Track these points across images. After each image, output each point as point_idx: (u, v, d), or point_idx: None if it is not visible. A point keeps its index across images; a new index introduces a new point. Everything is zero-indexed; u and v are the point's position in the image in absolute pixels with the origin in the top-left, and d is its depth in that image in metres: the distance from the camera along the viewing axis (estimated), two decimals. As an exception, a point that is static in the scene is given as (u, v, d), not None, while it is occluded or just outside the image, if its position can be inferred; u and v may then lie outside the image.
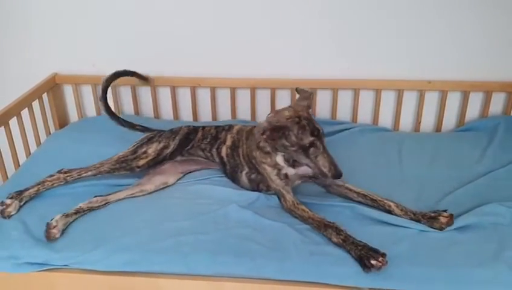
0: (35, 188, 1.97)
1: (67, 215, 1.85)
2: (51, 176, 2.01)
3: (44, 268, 1.75)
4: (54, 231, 1.78)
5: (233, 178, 2.13)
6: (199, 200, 2.00)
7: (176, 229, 1.82)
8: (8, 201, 1.91)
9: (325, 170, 1.78)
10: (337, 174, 1.77)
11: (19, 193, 1.94)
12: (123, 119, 2.35)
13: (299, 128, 1.77)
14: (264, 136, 1.77)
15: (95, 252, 1.74)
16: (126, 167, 2.05)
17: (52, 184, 1.99)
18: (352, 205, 1.92)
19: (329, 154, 1.79)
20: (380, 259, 1.60)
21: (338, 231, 1.72)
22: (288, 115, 1.79)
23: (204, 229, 1.81)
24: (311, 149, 1.78)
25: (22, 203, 1.94)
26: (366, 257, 1.61)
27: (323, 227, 1.76)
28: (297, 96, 2.00)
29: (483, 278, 1.60)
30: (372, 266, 1.59)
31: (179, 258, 1.71)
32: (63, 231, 1.82)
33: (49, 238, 1.77)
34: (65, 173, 2.01)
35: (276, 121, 1.78)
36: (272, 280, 1.68)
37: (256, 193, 2.02)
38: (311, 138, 1.77)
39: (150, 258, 1.72)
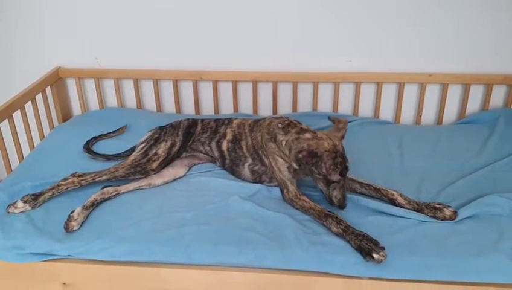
0: (50, 192, 1.97)
1: (86, 208, 1.87)
2: (65, 179, 2.00)
3: (48, 258, 1.78)
4: (74, 223, 1.80)
5: (233, 171, 2.15)
6: (201, 192, 2.02)
7: (178, 220, 1.84)
8: (20, 204, 1.91)
9: (335, 200, 1.85)
10: (343, 207, 1.85)
11: (34, 198, 1.93)
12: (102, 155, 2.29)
13: (332, 164, 1.80)
14: (300, 156, 1.80)
15: (97, 242, 1.76)
16: (141, 171, 2.05)
17: (67, 188, 1.99)
18: (351, 196, 1.93)
19: (344, 189, 1.86)
20: (381, 253, 1.61)
21: (338, 220, 1.74)
22: (327, 147, 1.81)
23: (206, 220, 1.83)
24: (334, 184, 1.84)
25: (35, 208, 1.93)
26: (367, 249, 1.63)
27: (324, 217, 1.78)
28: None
29: (482, 268, 1.61)
30: (374, 259, 1.61)
31: (180, 248, 1.73)
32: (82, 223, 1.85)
33: (68, 229, 1.79)
34: (79, 176, 2.01)
35: (315, 148, 1.81)
36: (273, 270, 1.70)
37: (257, 185, 2.04)
38: (339, 177, 1.82)
39: (152, 248, 1.74)
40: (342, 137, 1.93)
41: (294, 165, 1.88)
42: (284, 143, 1.95)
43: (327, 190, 1.86)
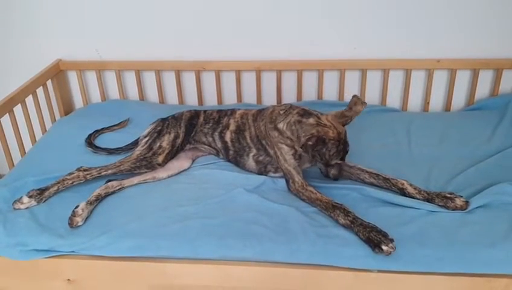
0: (56, 187, 1.95)
1: (90, 203, 1.85)
2: (71, 174, 1.98)
3: (52, 255, 1.76)
4: (78, 218, 1.78)
5: (237, 162, 2.12)
6: (205, 184, 1.99)
7: (182, 214, 1.81)
8: (25, 199, 1.89)
9: (332, 176, 1.92)
10: (337, 179, 1.94)
11: (40, 193, 1.91)
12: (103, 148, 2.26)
13: (336, 152, 1.82)
14: (310, 143, 1.78)
15: (101, 237, 1.74)
16: (147, 165, 2.03)
17: (72, 182, 1.97)
18: (359, 187, 1.89)
19: (341, 166, 1.92)
20: (390, 245, 1.58)
21: (346, 212, 1.71)
22: (332, 136, 1.80)
23: (211, 214, 1.80)
24: (332, 166, 1.89)
25: (40, 203, 1.91)
26: (376, 241, 1.60)
27: (331, 208, 1.74)
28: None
29: (494, 258, 1.58)
30: (383, 251, 1.58)
31: (185, 242, 1.71)
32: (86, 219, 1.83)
33: (72, 225, 1.77)
34: (85, 171, 1.99)
35: (323, 135, 1.80)
36: (279, 263, 1.67)
37: (262, 177, 2.01)
38: (338, 161, 1.87)
39: (157, 243, 1.72)
40: (345, 124, 1.89)
41: (299, 149, 1.88)
42: (285, 126, 1.93)
43: (325, 169, 1.92)
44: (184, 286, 1.75)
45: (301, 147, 1.83)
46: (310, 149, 1.80)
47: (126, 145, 2.24)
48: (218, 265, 1.69)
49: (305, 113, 1.91)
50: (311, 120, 1.87)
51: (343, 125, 1.88)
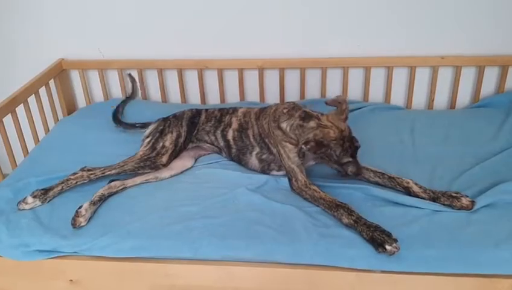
0: (59, 187, 1.95)
1: (94, 203, 1.85)
2: (74, 173, 1.98)
3: (54, 255, 1.76)
4: (81, 219, 1.78)
5: (240, 160, 2.11)
6: (208, 184, 1.99)
7: (184, 213, 1.81)
8: (30, 200, 1.89)
9: (351, 174, 1.86)
10: (359, 174, 1.88)
11: (44, 193, 1.92)
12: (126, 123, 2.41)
13: (342, 150, 1.80)
14: (308, 147, 1.77)
15: (103, 238, 1.73)
16: (151, 165, 2.02)
17: (76, 182, 1.97)
18: (363, 186, 1.88)
19: (358, 162, 1.85)
20: (394, 245, 1.56)
21: (350, 211, 1.70)
22: (333, 136, 1.79)
23: (213, 214, 1.80)
24: (346, 164, 1.84)
25: (45, 203, 1.92)
26: (380, 240, 1.58)
27: (335, 207, 1.73)
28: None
29: (499, 258, 1.56)
30: (386, 250, 1.57)
31: (187, 243, 1.70)
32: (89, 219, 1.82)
33: (75, 225, 1.77)
34: (88, 170, 1.99)
35: (321, 137, 1.78)
36: (282, 264, 1.66)
37: (265, 176, 2.00)
38: (350, 159, 1.82)
39: (159, 243, 1.71)
40: (346, 118, 1.89)
41: (304, 149, 1.86)
42: (288, 128, 1.92)
43: (341, 168, 1.87)
44: (186, 286, 1.74)
45: (300, 152, 1.84)
46: (311, 153, 1.79)
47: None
48: (220, 265, 1.69)
49: (306, 116, 1.90)
50: (312, 123, 1.85)
51: (345, 121, 1.87)
